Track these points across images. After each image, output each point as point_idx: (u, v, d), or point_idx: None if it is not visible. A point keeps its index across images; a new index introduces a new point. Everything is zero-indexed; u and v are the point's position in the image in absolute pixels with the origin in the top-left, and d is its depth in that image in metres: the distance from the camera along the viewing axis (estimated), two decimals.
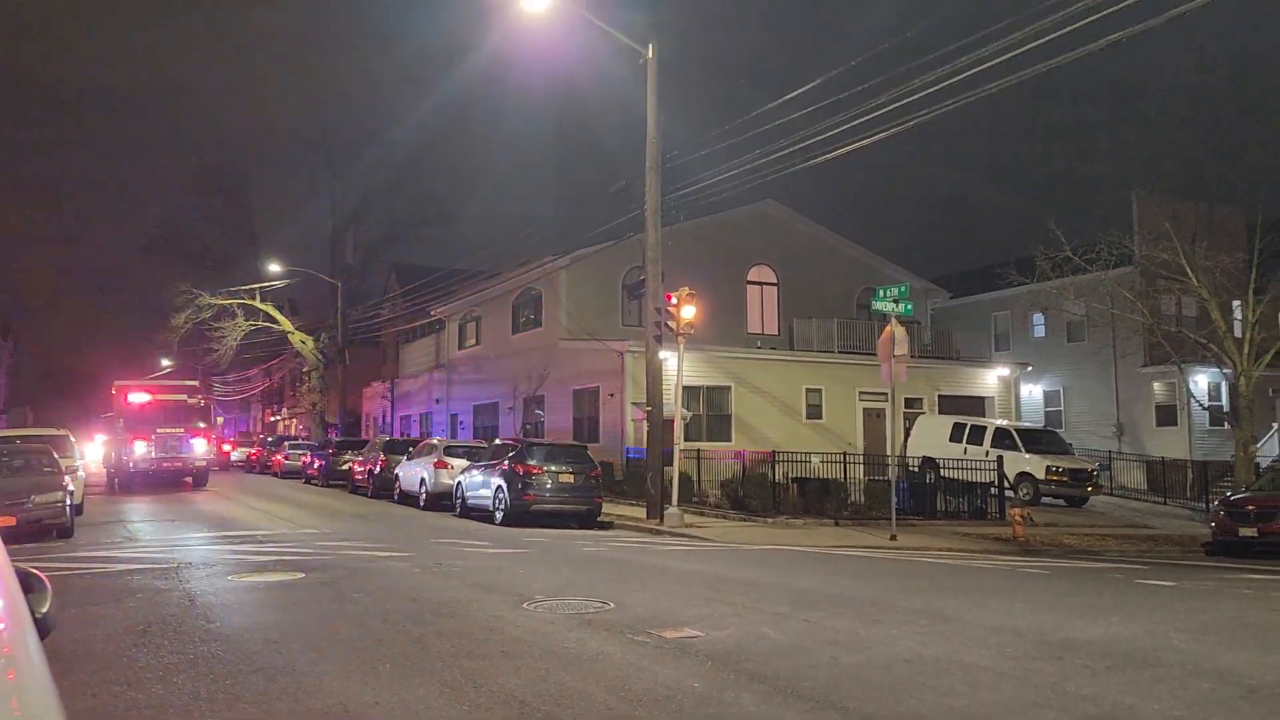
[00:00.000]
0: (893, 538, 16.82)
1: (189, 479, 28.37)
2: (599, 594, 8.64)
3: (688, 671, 5.75)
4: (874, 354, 20.91)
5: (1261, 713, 5.16)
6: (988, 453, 24.74)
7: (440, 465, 22.58)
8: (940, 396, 31.07)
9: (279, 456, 39.94)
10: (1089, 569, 13.64)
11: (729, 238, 31.47)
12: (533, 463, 18.74)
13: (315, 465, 34.13)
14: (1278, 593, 10.65)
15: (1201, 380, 30.57)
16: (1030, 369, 34.74)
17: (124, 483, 27.28)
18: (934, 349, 32.78)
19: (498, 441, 22.77)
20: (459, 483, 21.10)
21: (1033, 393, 37.02)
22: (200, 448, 28.32)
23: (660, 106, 19.56)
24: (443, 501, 21.93)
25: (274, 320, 44.79)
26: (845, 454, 23.37)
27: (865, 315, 31.33)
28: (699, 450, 24.13)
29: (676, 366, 19.81)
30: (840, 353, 30.26)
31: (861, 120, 16.14)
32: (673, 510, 18.33)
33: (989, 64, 13.88)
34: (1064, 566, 13.83)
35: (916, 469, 24.52)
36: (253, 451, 45.94)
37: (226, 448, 45.27)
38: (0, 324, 75.99)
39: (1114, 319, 27.50)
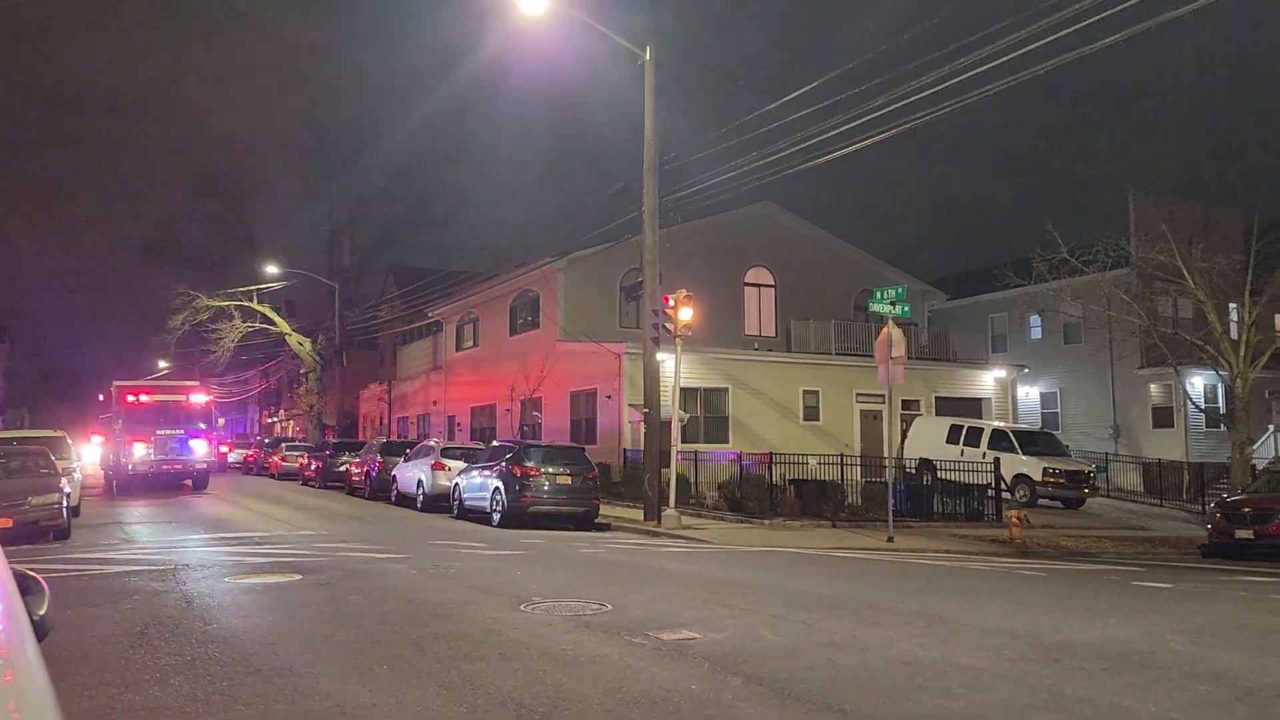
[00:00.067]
0: (890, 539, 16.83)
1: (189, 481, 27.98)
2: (596, 596, 8.63)
3: (685, 673, 5.75)
4: (871, 356, 20.92)
5: (1258, 714, 5.16)
6: (985, 454, 24.77)
7: (438, 467, 22.57)
8: (937, 398, 31.10)
9: (276, 458, 39.91)
10: (1086, 571, 13.65)
11: (726, 239, 31.49)
12: (530, 464, 18.73)
13: (312, 467, 34.09)
14: (1274, 594, 10.67)
15: (1198, 382, 30.64)
16: (1027, 371, 34.80)
17: (122, 485, 26.86)
18: (931, 351, 32.82)
19: (495, 443, 22.76)
20: (456, 484, 21.09)
21: (1029, 394, 37.07)
22: (200, 450, 27.84)
23: (658, 109, 19.59)
24: (440, 503, 21.92)
25: (271, 322, 44.77)
26: (842, 456, 23.38)
27: (862, 317, 31.36)
28: (696, 452, 24.14)
29: (674, 368, 19.81)
30: (837, 354, 30.29)
31: (859, 123, 16.19)
32: (670, 512, 18.33)
33: (987, 66, 13.91)
34: (1061, 568, 13.85)
35: (913, 471, 24.55)
36: (250, 453, 45.91)
37: (224, 449, 45.17)
38: None
39: (1110, 321, 27.56)
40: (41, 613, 2.23)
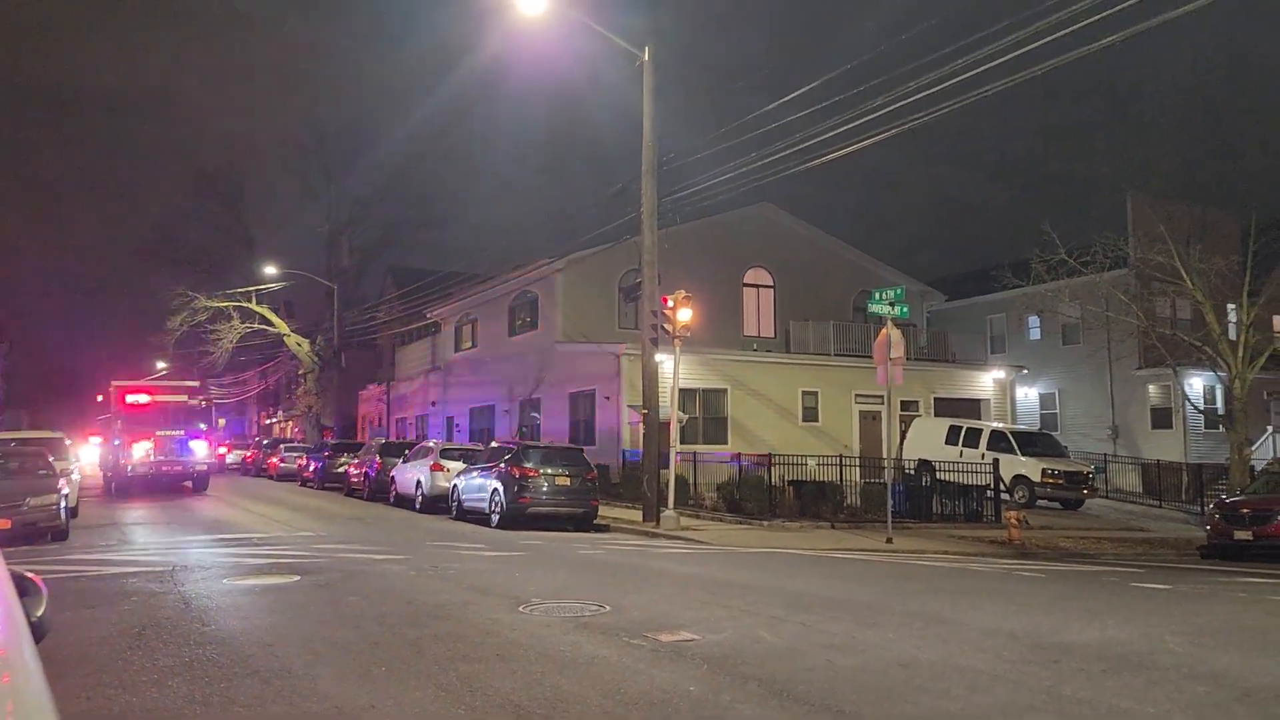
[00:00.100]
0: (889, 541, 16.83)
1: (189, 483, 27.73)
2: (595, 597, 8.63)
3: (684, 675, 5.75)
4: (870, 357, 20.94)
5: (1257, 715, 5.16)
6: (983, 455, 24.77)
7: (436, 468, 22.56)
8: (936, 399, 31.11)
9: (275, 459, 39.91)
10: (1084, 572, 13.65)
11: (725, 240, 31.49)
12: (529, 465, 18.73)
13: (311, 468, 34.08)
14: (1273, 595, 10.67)
15: (1196, 383, 30.65)
16: (1026, 371, 34.82)
17: (121, 487, 26.60)
18: (930, 352, 32.84)
19: (494, 444, 22.75)
20: (455, 485, 21.09)
21: (1028, 395, 37.09)
22: (201, 451, 27.59)
23: (657, 110, 19.59)
24: (439, 504, 21.91)
25: (270, 323, 44.75)
26: (841, 457, 23.37)
27: (861, 318, 31.36)
28: (695, 453, 24.14)
29: (673, 369, 19.82)
30: (836, 355, 30.30)
31: (857, 123, 16.20)
32: (669, 513, 18.33)
33: (985, 67, 13.93)
34: (1059, 569, 13.85)
35: (912, 472, 24.56)
36: (248, 454, 45.88)
37: (222, 450, 45.10)
38: None
39: (1109, 322, 27.58)
40: (39, 614, 2.22)
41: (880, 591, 10.18)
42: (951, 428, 27.46)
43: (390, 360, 48.39)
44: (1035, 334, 37.36)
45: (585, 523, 19.13)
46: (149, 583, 9.64)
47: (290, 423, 58.66)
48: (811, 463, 23.00)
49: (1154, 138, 23.61)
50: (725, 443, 27.16)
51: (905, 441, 27.79)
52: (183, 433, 27.29)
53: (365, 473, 27.58)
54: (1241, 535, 16.64)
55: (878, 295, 19.09)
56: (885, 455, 21.27)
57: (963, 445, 26.23)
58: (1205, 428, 31.27)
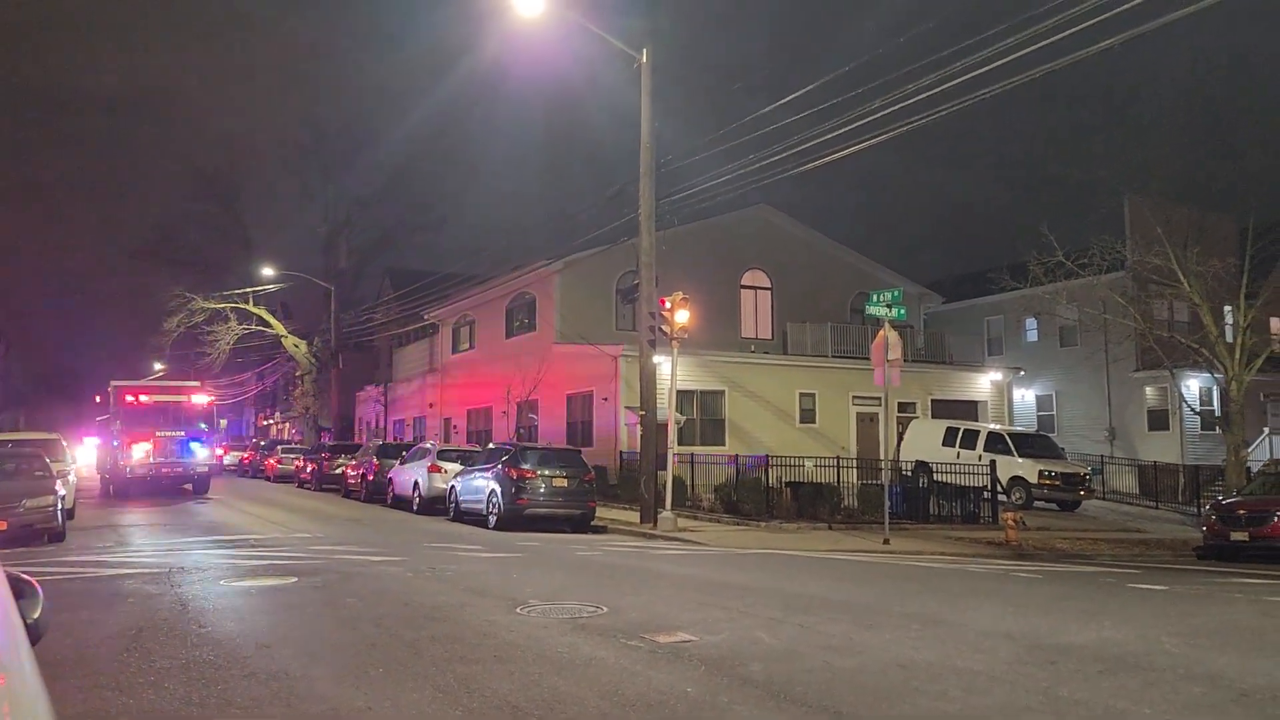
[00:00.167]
0: (886, 542, 16.83)
1: (189, 485, 27.18)
2: (592, 598, 8.63)
3: (681, 676, 5.75)
4: (867, 358, 20.96)
5: (1253, 716, 5.17)
6: (980, 457, 24.77)
7: (434, 469, 22.55)
8: (933, 401, 31.13)
9: (272, 460, 39.87)
10: (1081, 573, 13.67)
11: (723, 242, 31.51)
12: (526, 467, 18.72)
13: (308, 469, 34.05)
14: (1269, 596, 10.68)
15: (1193, 385, 30.69)
16: (1023, 373, 34.84)
17: (119, 489, 26.00)
18: (927, 353, 32.85)
19: (491, 445, 22.74)
20: (452, 487, 21.08)
21: (1025, 397, 37.13)
22: (202, 452, 26.90)
23: (655, 111, 19.59)
24: (436, 506, 21.89)
25: (267, 324, 44.71)
26: (839, 458, 23.39)
27: (859, 320, 31.38)
28: (693, 454, 24.13)
29: (670, 371, 19.82)
30: (834, 357, 30.31)
31: (855, 125, 16.21)
32: (666, 514, 18.33)
33: (983, 70, 13.94)
34: (1056, 570, 13.86)
35: (910, 473, 24.57)
36: (245, 455, 45.84)
37: (219, 451, 44.99)
38: None
39: (1106, 324, 27.59)
40: (35, 616, 2.22)
41: (878, 593, 10.19)
42: (949, 429, 27.46)
43: (388, 362, 48.38)
44: (1033, 336, 37.40)
45: (583, 524, 19.13)
46: (146, 584, 9.63)
47: (287, 424, 58.62)
48: (809, 464, 23.00)
49: (1153, 140, 23.63)
50: (723, 444, 27.16)
51: (902, 443, 27.79)
52: (183, 434, 26.62)
53: (362, 474, 27.54)
54: (1238, 536, 16.67)
55: (875, 297, 19.11)
56: (883, 457, 21.31)
57: (960, 447, 26.23)
58: (1202, 429, 31.31)
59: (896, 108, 15.39)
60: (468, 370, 37.21)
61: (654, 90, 19.56)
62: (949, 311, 38.18)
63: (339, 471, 30.47)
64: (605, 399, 27.49)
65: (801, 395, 29.38)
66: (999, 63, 13.68)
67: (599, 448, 26.73)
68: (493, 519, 18.75)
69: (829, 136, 16.83)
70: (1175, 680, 5.82)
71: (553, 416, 30.36)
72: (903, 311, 19.14)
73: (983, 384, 32.73)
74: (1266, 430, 31.81)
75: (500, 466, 18.97)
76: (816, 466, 22.78)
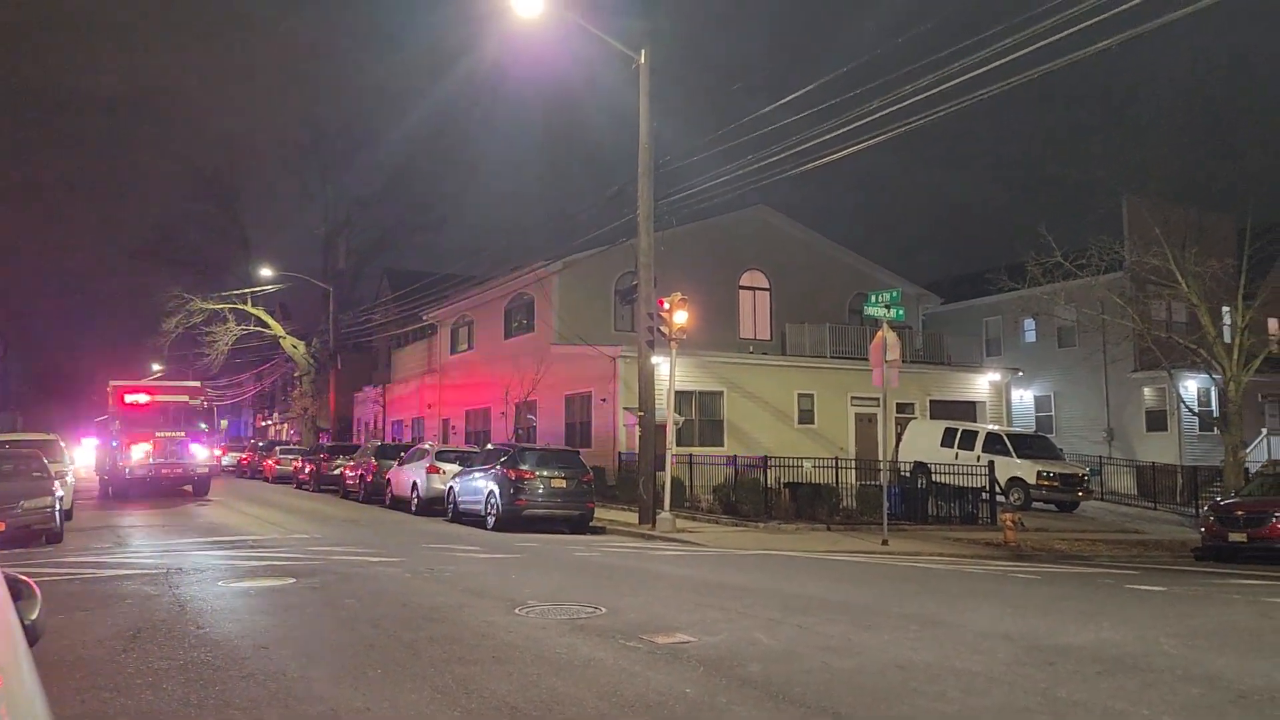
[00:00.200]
0: (884, 543, 16.84)
1: (188, 487, 26.83)
2: (591, 599, 8.63)
3: (680, 677, 5.75)
4: (866, 359, 20.96)
5: (1251, 717, 5.17)
6: (979, 458, 24.78)
7: (432, 470, 22.53)
8: (932, 401, 31.14)
9: (270, 461, 39.86)
10: (1080, 574, 13.67)
11: (722, 243, 31.53)
12: (525, 468, 18.72)
13: (306, 470, 34.03)
14: (1267, 598, 10.69)
15: (1191, 385, 30.71)
16: (1021, 374, 34.86)
17: (118, 490, 25.71)
18: (926, 354, 32.87)
19: (490, 446, 22.73)
20: (451, 488, 21.07)
21: (1024, 398, 37.15)
22: (202, 453, 26.49)
23: (654, 112, 19.60)
24: (434, 506, 21.88)
25: (265, 325, 44.72)
26: (837, 459, 23.38)
27: (857, 320, 31.40)
28: (691, 455, 24.14)
29: (669, 371, 19.82)
30: (832, 358, 30.32)
31: (854, 126, 16.21)
32: (665, 515, 18.33)
33: (981, 70, 13.94)
34: (1055, 571, 13.87)
35: (908, 474, 24.57)
36: (244, 456, 45.81)
37: (216, 452, 44.87)
38: None
39: (1104, 324, 27.61)
40: (33, 617, 2.22)
41: (876, 593, 10.19)
42: (947, 430, 27.48)
43: (386, 362, 48.37)
44: (1031, 337, 37.42)
45: (581, 525, 19.13)
46: (144, 585, 9.62)
47: (286, 425, 58.62)
48: (807, 465, 23.01)
49: (1151, 140, 23.61)
50: (721, 445, 27.17)
51: (901, 444, 27.81)
52: (183, 434, 26.17)
53: (361, 475, 27.53)
54: (1236, 537, 16.67)
55: (874, 298, 19.11)
56: (881, 457, 21.27)
57: (958, 447, 26.25)
58: (1200, 430, 31.33)
59: (895, 108, 15.40)
60: (466, 371, 37.21)
61: (653, 91, 19.59)
62: (947, 312, 38.20)
63: (337, 472, 30.45)
64: (604, 400, 27.49)
65: (800, 396, 29.40)
66: (997, 63, 13.69)
67: (597, 449, 26.73)
68: (491, 520, 18.74)
69: (828, 137, 16.84)
70: (1173, 681, 5.82)
71: (551, 417, 30.36)
72: (901, 312, 19.13)
73: (981, 385, 32.75)
74: (1265, 431, 31.84)
75: (499, 467, 18.97)
76: (815, 467, 22.79)
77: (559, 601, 8.52)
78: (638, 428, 20.19)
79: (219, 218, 48.23)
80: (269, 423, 64.85)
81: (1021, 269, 26.26)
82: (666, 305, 19.17)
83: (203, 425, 26.89)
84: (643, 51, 19.40)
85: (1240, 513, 16.96)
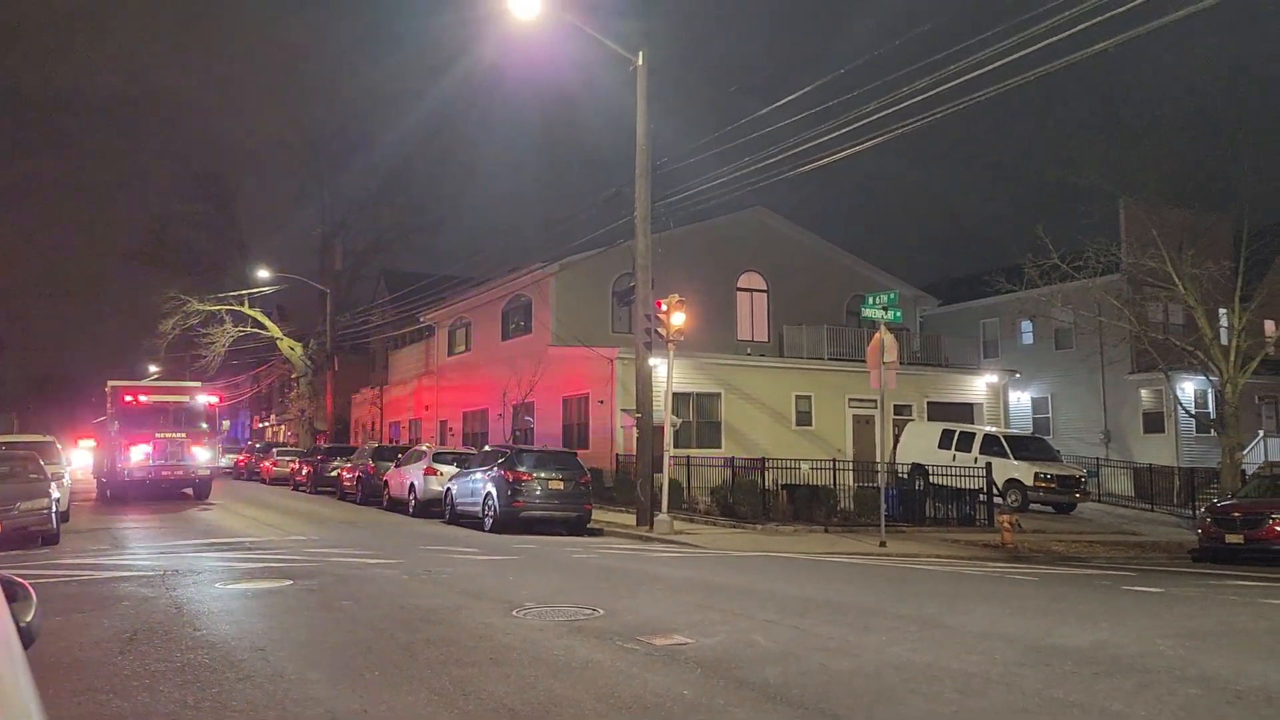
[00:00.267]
0: (882, 544, 16.84)
1: (189, 490, 26.26)
2: (588, 601, 8.62)
3: (677, 679, 5.74)
4: (863, 361, 20.94)
5: (1248, 718, 5.18)
6: (976, 459, 24.80)
7: (429, 472, 22.51)
8: (929, 403, 31.16)
9: (267, 463, 39.82)
10: (1077, 575, 13.68)
11: (719, 244, 31.53)
12: (522, 469, 18.71)
13: (304, 472, 33.99)
14: (1264, 599, 10.70)
15: (1188, 387, 30.75)
16: (1018, 376, 34.89)
17: (117, 492, 25.17)
18: (923, 356, 32.89)
19: (487, 448, 22.72)
20: (448, 489, 21.06)
21: (1021, 399, 37.17)
22: (203, 455, 25.59)
23: (651, 113, 19.60)
24: (432, 508, 21.87)
25: (262, 326, 44.68)
26: (835, 461, 23.40)
27: (855, 322, 31.42)
28: (689, 457, 24.14)
29: (666, 373, 19.81)
30: (830, 360, 30.33)
31: (851, 128, 16.22)
32: (662, 517, 18.32)
33: (978, 72, 13.95)
34: (1052, 573, 13.87)
35: (905, 476, 24.57)
36: (241, 458, 45.78)
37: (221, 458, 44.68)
38: None
39: (1101, 326, 27.62)
40: (28, 619, 2.22)
41: (874, 595, 10.19)
42: (944, 432, 27.50)
43: (383, 364, 48.33)
44: (1028, 338, 37.45)
45: (579, 527, 19.12)
46: (140, 587, 9.60)
47: (283, 426, 58.55)
48: (805, 467, 23.01)
49: (1149, 142, 23.61)
50: (719, 447, 27.16)
51: (898, 445, 27.82)
52: (184, 435, 25.41)
53: (358, 477, 27.50)
54: (1233, 539, 16.68)
55: (871, 300, 19.12)
56: (878, 459, 21.27)
57: (956, 449, 26.27)
58: (1197, 432, 31.35)
59: (892, 110, 15.42)
60: (463, 373, 37.20)
61: (650, 92, 19.59)
62: (945, 314, 38.23)
63: (334, 474, 30.44)
64: (601, 401, 27.48)
65: (798, 398, 29.40)
66: (995, 65, 13.70)
67: (595, 450, 26.72)
68: (489, 521, 18.73)
69: (825, 139, 16.85)
70: (1170, 682, 5.83)
71: (549, 419, 30.35)
72: (898, 314, 19.14)
73: (978, 386, 32.77)
74: (1261, 433, 31.87)
75: (496, 469, 18.96)
76: (813, 469, 22.79)
77: (556, 603, 8.51)
78: (635, 429, 20.19)
79: (216, 219, 48.19)
80: (266, 424, 64.79)
81: (1019, 271, 26.28)
82: (664, 307, 19.16)
83: (204, 425, 26.10)
84: (640, 53, 19.42)
85: (1237, 514, 16.97)
